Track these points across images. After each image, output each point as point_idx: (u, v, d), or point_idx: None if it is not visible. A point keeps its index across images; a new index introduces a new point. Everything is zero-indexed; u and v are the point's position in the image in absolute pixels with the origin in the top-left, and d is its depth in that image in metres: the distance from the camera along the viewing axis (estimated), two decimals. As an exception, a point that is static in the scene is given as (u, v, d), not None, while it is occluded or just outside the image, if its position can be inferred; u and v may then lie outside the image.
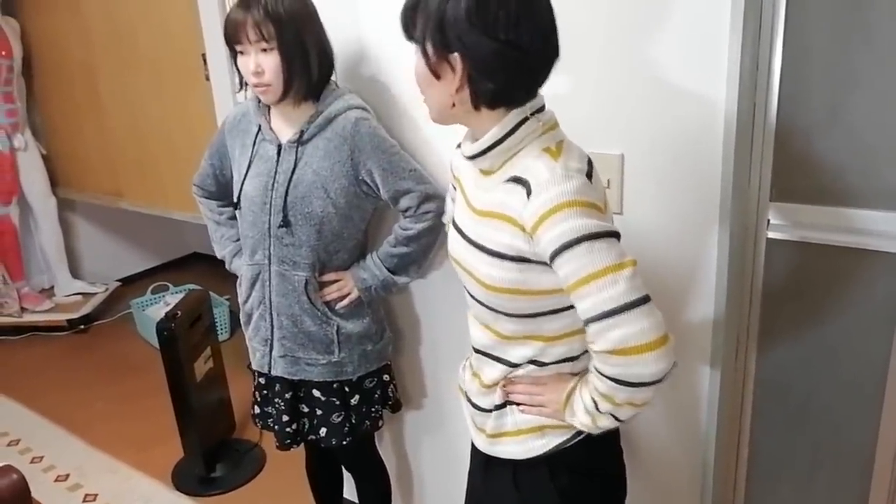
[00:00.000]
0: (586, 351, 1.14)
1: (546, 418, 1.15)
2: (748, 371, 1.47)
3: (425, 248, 1.66)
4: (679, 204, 1.36)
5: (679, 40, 1.26)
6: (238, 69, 1.54)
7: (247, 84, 1.55)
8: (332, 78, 1.59)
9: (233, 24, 1.47)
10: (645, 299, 0.96)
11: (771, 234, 1.37)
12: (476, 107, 1.04)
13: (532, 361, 1.15)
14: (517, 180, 1.03)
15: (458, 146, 1.19)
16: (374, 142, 1.56)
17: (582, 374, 1.13)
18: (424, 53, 1.03)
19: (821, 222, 1.32)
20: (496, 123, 1.04)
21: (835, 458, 1.44)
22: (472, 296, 1.16)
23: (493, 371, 1.19)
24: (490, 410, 1.21)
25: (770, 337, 1.43)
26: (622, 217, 1.41)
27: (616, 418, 1.06)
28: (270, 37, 1.45)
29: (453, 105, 1.05)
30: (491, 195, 1.08)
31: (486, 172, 1.11)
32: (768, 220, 1.36)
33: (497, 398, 1.19)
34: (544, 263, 1.02)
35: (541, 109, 1.07)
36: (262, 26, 1.44)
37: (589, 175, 1.04)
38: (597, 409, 1.06)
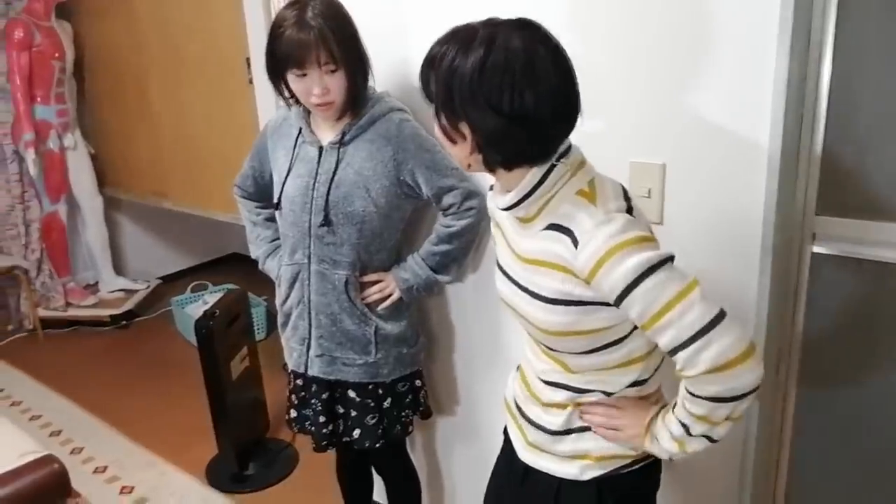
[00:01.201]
0: (652, 375, 1.14)
1: (610, 447, 1.14)
2: (790, 384, 1.43)
3: (467, 245, 1.66)
4: (721, 215, 1.34)
5: (726, 49, 1.25)
6: (283, 91, 1.54)
7: (291, 99, 1.55)
8: (371, 83, 1.61)
9: (298, 47, 1.43)
10: (723, 313, 0.95)
11: (816, 249, 1.34)
12: (491, 171, 1.04)
13: (600, 391, 1.14)
14: (559, 228, 1.02)
15: (491, 188, 1.17)
16: (417, 141, 1.57)
17: (660, 401, 1.12)
18: (438, 119, 1.02)
19: (868, 237, 1.29)
20: (522, 177, 1.03)
21: (880, 475, 1.39)
22: (530, 334, 1.16)
23: (556, 395, 1.17)
24: (555, 430, 1.18)
25: (813, 352, 1.40)
26: (662, 227, 1.40)
27: (710, 439, 1.04)
28: (339, 57, 1.45)
29: (470, 165, 1.05)
30: (534, 243, 1.07)
31: (523, 220, 1.09)
32: (814, 234, 1.33)
33: (570, 420, 1.17)
34: (601, 304, 1.01)
35: (565, 152, 1.04)
36: (332, 46, 1.43)
37: (629, 210, 1.02)
38: (688, 433, 1.04)
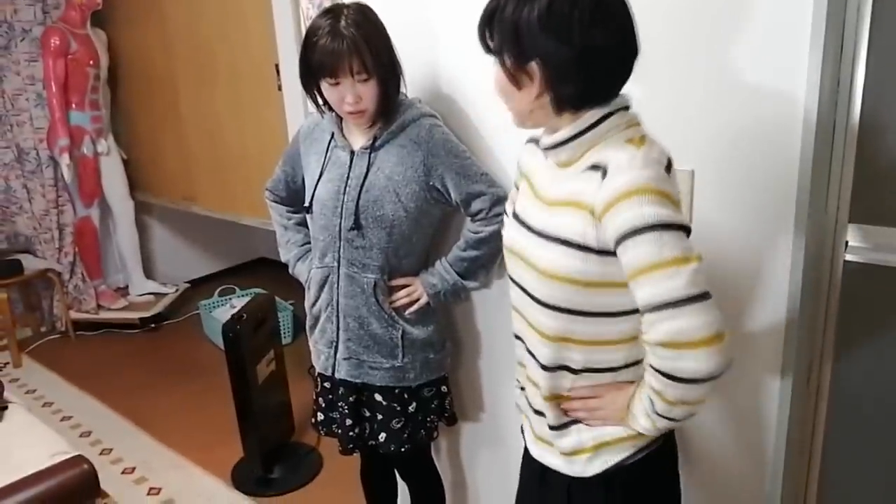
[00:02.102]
0: (629, 364, 1.13)
1: (606, 432, 1.14)
2: (821, 395, 1.40)
3: (495, 251, 1.66)
4: (750, 223, 1.32)
5: (756, 56, 1.23)
6: (317, 98, 1.56)
7: (324, 106, 1.57)
8: (402, 89, 1.62)
9: (331, 56, 1.44)
10: (705, 295, 0.94)
11: (849, 257, 1.31)
12: (559, 112, 1.04)
13: (565, 368, 1.13)
14: (596, 168, 1.02)
15: (529, 141, 1.19)
16: (447, 146, 1.58)
17: (639, 379, 1.11)
18: (503, 64, 1.04)
19: (903, 245, 1.26)
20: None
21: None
22: (523, 289, 1.15)
23: (540, 374, 1.17)
24: (553, 425, 1.19)
25: (846, 359, 1.37)
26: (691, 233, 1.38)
27: (672, 419, 1.04)
28: (372, 66, 1.47)
29: (532, 111, 1.06)
30: (567, 185, 1.07)
31: (563, 164, 1.10)
32: (846, 242, 1.31)
33: (561, 416, 1.18)
34: (607, 253, 1.01)
35: (626, 108, 1.07)
36: (365, 56, 1.45)
37: (668, 169, 1.02)
38: (653, 408, 1.04)
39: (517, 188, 1.26)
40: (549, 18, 0.96)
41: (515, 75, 1.03)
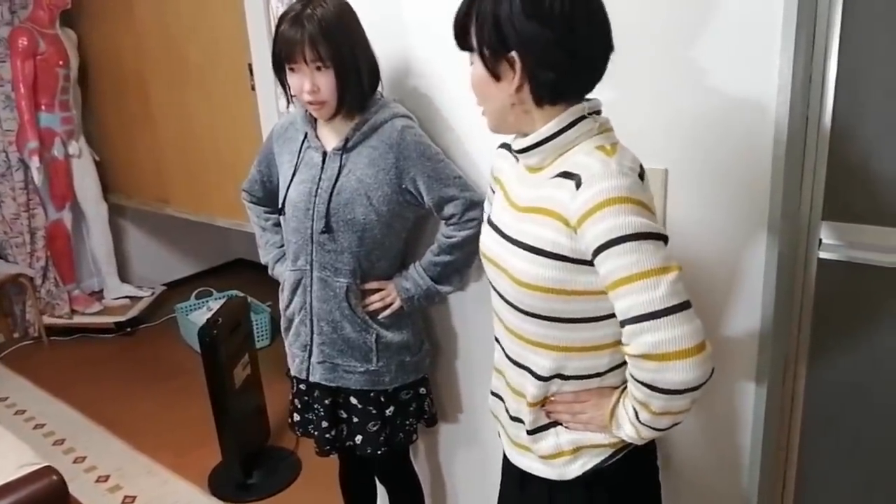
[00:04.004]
0: (614, 368, 1.12)
1: (585, 437, 1.14)
2: (797, 394, 1.41)
3: (469, 256, 1.65)
4: (725, 221, 1.31)
5: (727, 51, 1.23)
6: (286, 86, 1.55)
7: (294, 96, 1.56)
8: (379, 89, 1.60)
9: (288, 43, 1.46)
10: (684, 305, 0.94)
11: (823, 255, 1.32)
12: (539, 102, 1.04)
13: (558, 375, 1.12)
14: (567, 175, 1.02)
15: (501, 146, 1.18)
16: (419, 149, 1.56)
17: (624, 386, 1.10)
18: (482, 56, 1.04)
19: (875, 242, 1.26)
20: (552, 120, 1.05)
21: (889, 488, 1.37)
22: (501, 296, 1.14)
23: (522, 380, 1.16)
24: (529, 430, 1.18)
25: (821, 359, 1.37)
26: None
27: (656, 429, 1.04)
28: (327, 56, 1.46)
29: (513, 106, 1.05)
30: (537, 191, 1.07)
31: (533, 169, 1.10)
32: (820, 240, 1.31)
33: (538, 418, 1.17)
34: (583, 262, 1.00)
35: (598, 112, 1.07)
36: (319, 46, 1.45)
37: (640, 177, 1.02)
38: (637, 419, 1.04)
39: (493, 192, 1.25)
40: (530, 6, 0.97)
41: (495, 67, 1.03)
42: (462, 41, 1.07)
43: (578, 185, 0.98)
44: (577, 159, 1.03)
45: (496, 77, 1.04)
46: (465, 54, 1.09)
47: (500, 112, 1.08)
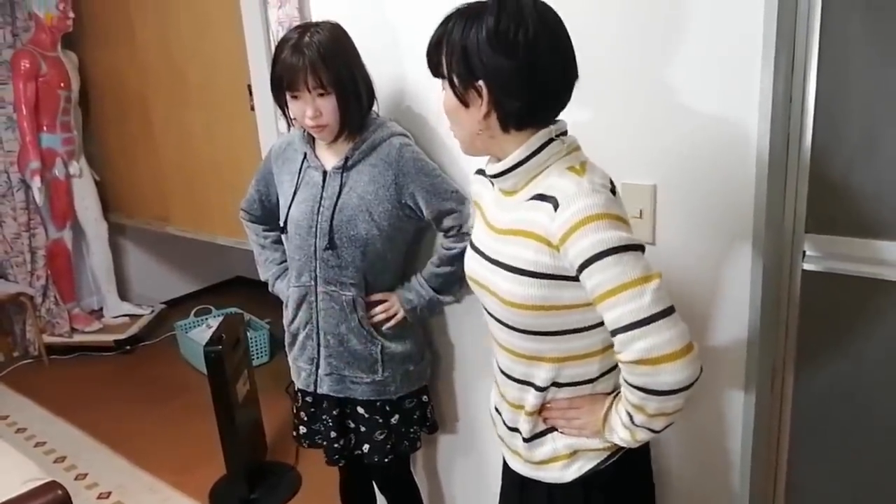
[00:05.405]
0: (604, 374, 1.17)
1: (581, 442, 1.17)
2: (784, 401, 1.44)
3: None
4: (712, 235, 1.36)
5: (711, 70, 1.27)
6: (286, 110, 1.59)
7: (294, 119, 1.59)
8: (374, 108, 1.64)
9: (289, 71, 1.49)
10: (669, 310, 0.98)
11: (807, 266, 1.36)
12: (505, 128, 1.08)
13: (553, 383, 1.16)
14: (542, 197, 1.06)
15: (478, 172, 1.23)
16: (417, 165, 1.61)
17: (616, 391, 1.14)
18: (451, 84, 1.08)
19: (858, 254, 1.30)
20: (522, 145, 1.08)
21: (876, 492, 1.40)
22: (491, 315, 1.19)
23: (519, 393, 1.21)
24: (526, 437, 1.22)
25: (807, 367, 1.41)
26: (654, 247, 1.42)
27: (652, 430, 1.07)
28: (328, 82, 1.49)
29: (480, 132, 1.10)
30: (513, 214, 1.11)
31: (508, 193, 1.14)
32: (804, 252, 1.35)
33: (536, 426, 1.21)
34: (568, 278, 1.04)
35: (564, 133, 1.11)
36: (321, 72, 1.48)
37: (612, 192, 1.07)
38: (632, 422, 1.07)
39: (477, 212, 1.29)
40: (496, 37, 1.01)
41: (464, 95, 1.07)
42: (434, 69, 1.11)
43: (556, 207, 1.03)
44: (551, 181, 1.07)
45: (465, 104, 1.08)
46: None
47: (469, 136, 1.12)
